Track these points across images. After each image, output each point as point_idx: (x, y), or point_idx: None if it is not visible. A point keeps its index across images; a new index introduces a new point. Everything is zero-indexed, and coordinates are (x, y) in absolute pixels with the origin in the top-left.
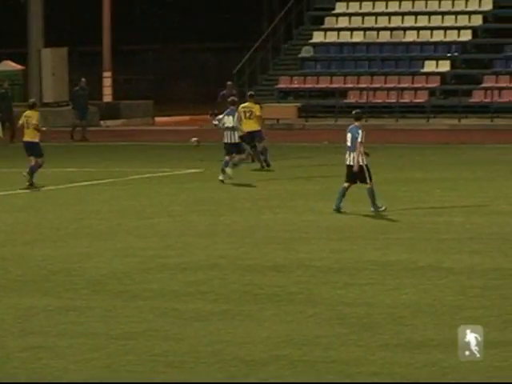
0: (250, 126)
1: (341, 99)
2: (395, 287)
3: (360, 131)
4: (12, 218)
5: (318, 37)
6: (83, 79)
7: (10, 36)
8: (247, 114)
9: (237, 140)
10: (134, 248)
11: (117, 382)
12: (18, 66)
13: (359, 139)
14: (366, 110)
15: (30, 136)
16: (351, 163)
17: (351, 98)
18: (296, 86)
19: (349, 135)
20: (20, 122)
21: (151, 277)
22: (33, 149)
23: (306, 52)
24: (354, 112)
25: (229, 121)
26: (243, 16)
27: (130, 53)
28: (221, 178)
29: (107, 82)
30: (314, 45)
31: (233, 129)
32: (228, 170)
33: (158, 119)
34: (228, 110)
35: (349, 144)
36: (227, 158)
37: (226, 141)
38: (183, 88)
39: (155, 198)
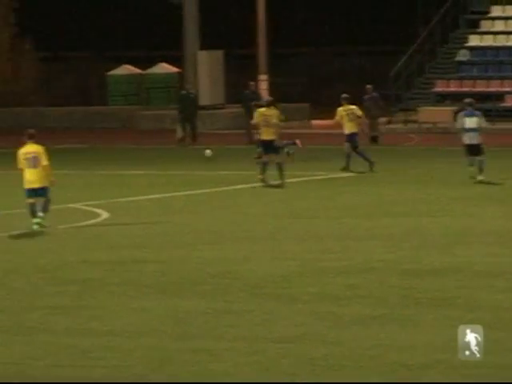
0: (352, 127)
1: (498, 103)
2: None
3: None
4: (170, 220)
5: (474, 40)
6: (252, 83)
7: (164, 38)
8: (350, 116)
9: (478, 141)
10: (292, 251)
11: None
12: (174, 69)
13: None
14: None
15: (269, 134)
16: None
17: (508, 102)
18: (452, 89)
19: None
20: (255, 120)
21: (309, 280)
22: (270, 146)
23: (463, 55)
24: None
25: (471, 122)
26: (398, 19)
27: (284, 56)
28: (480, 178)
29: (263, 84)
30: (471, 48)
31: (474, 130)
32: (471, 169)
33: (314, 122)
34: (466, 111)
35: None
36: (470, 157)
37: (467, 142)
38: (338, 91)
39: (312, 201)
